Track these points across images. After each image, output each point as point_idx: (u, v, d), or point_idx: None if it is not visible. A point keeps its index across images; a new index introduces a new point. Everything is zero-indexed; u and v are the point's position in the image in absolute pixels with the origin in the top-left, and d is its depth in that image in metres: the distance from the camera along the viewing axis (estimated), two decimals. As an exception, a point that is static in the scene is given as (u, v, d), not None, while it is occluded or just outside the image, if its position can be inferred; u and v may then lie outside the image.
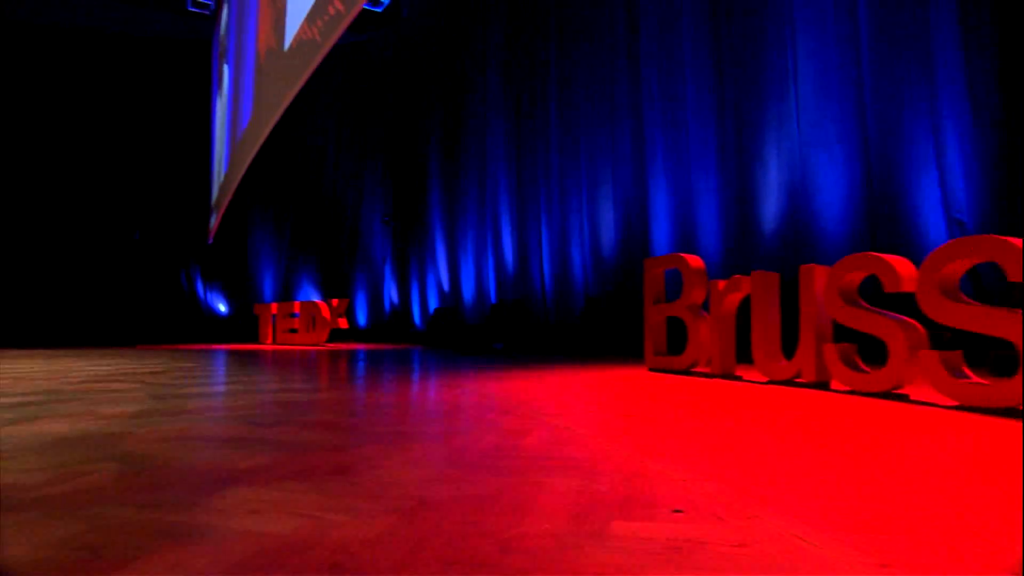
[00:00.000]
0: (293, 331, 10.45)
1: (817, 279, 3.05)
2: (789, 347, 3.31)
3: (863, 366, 2.84)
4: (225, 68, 11.02)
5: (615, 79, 7.28)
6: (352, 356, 6.91)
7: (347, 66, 12.37)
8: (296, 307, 10.49)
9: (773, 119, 5.55)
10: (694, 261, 4.02)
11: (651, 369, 4.31)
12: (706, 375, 3.86)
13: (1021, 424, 2.01)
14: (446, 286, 10.28)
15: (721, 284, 3.77)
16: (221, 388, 3.25)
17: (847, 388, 2.89)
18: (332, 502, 1.12)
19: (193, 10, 16.72)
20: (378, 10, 11.95)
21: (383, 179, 12.09)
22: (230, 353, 7.78)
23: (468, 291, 9.74)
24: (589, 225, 7.35)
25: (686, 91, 6.36)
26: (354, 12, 4.52)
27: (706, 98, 6.16)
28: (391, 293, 11.73)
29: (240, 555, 0.86)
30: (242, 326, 13.32)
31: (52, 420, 2.09)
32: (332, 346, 9.55)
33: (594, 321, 6.88)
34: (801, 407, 2.51)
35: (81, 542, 0.91)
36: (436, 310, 9.98)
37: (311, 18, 5.12)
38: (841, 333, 3.01)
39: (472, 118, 9.85)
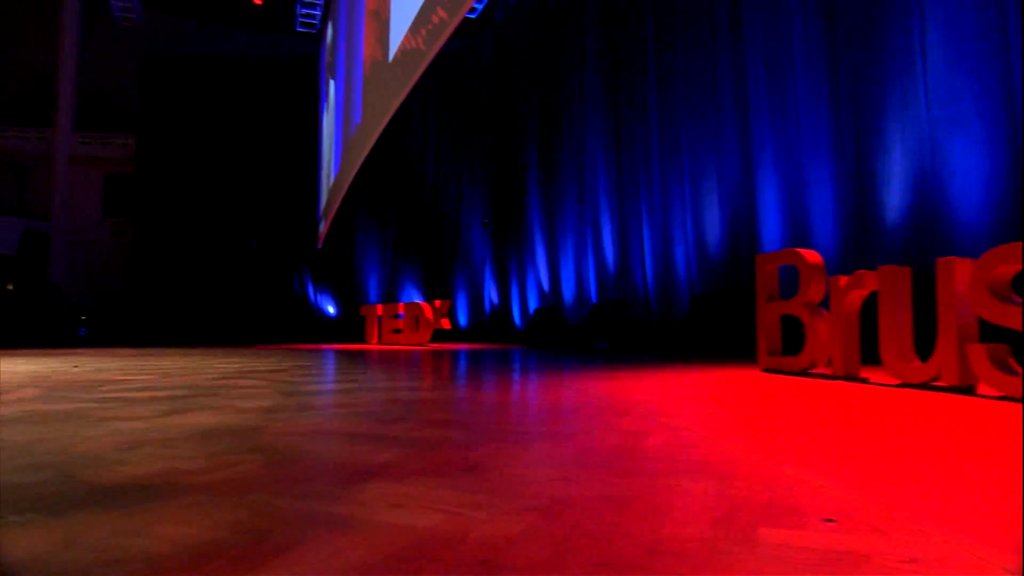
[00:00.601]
0: (398, 331, 10.82)
1: (959, 273, 2.80)
2: (922, 348, 3.06)
3: (1018, 368, 2.57)
4: (331, 82, 11.61)
5: (717, 70, 7.03)
6: (457, 356, 7.07)
7: (444, 73, 12.69)
8: (400, 308, 10.85)
9: (897, 98, 5.12)
10: (811, 256, 3.81)
11: (765, 370, 4.12)
12: (827, 377, 3.65)
13: None
14: (546, 286, 10.31)
15: (843, 280, 3.55)
16: (340, 386, 3.41)
17: (998, 393, 2.63)
18: (468, 498, 1.14)
19: (301, 30, 17.73)
20: (472, 16, 12.19)
21: (482, 182, 12.33)
22: (341, 353, 8.16)
23: (568, 291, 9.72)
24: (693, 222, 7.14)
25: (795, 75, 6.03)
26: (458, 19, 4.64)
27: (818, 80, 5.80)
28: (491, 294, 11.92)
29: (392, 547, 0.89)
30: (349, 327, 13.96)
31: (199, 413, 2.26)
32: (435, 346, 9.81)
33: (700, 320, 6.68)
34: (945, 413, 2.32)
35: (249, 526, 0.97)
36: (536, 310, 10.03)
37: (415, 28, 5.29)
38: (988, 333, 2.75)
39: (569, 118, 9.83)
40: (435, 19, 4.84)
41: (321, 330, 14.58)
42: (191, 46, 17.29)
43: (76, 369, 4.73)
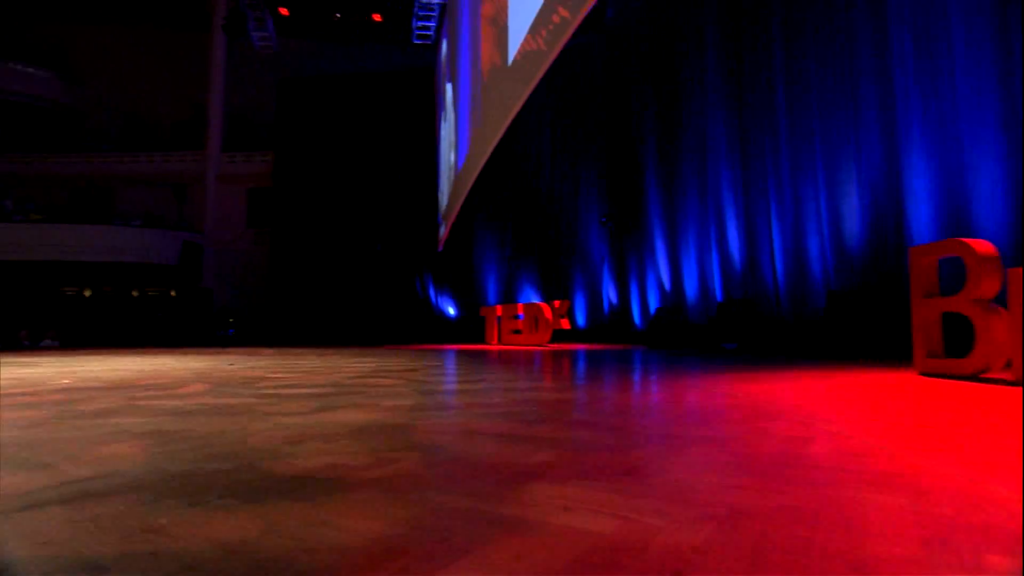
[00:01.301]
0: (517, 332, 10.94)
1: None
2: None
3: None
4: (448, 88, 11.92)
5: (855, 46, 6.51)
6: (580, 357, 7.03)
7: (555, 72, 12.68)
8: (520, 309, 10.97)
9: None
10: (982, 247, 3.42)
11: (923, 373, 3.75)
12: (1004, 383, 3.26)
13: None
14: (667, 285, 10.03)
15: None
16: (474, 386, 3.47)
17: None
18: (637, 503, 1.10)
19: (418, 42, 18.41)
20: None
21: (598, 180, 12.21)
22: (464, 353, 8.37)
23: (691, 289, 9.40)
24: (829, 213, 6.65)
25: (951, 43, 5.43)
26: (580, 17, 4.61)
27: (981, 46, 5.20)
28: (609, 293, 11.78)
29: (574, 551, 0.87)
30: (469, 327, 14.31)
31: (349, 410, 2.38)
32: (555, 346, 9.82)
33: (840, 318, 6.21)
34: None
35: (428, 524, 0.99)
36: (658, 310, 9.79)
37: (535, 29, 5.32)
38: None
39: (689, 111, 9.51)
40: (556, 19, 4.84)
41: (442, 331, 15.07)
42: (319, 66, 18.48)
43: (231, 367, 5.16)
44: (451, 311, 15.67)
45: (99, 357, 7.32)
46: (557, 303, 10.25)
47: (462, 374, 4.56)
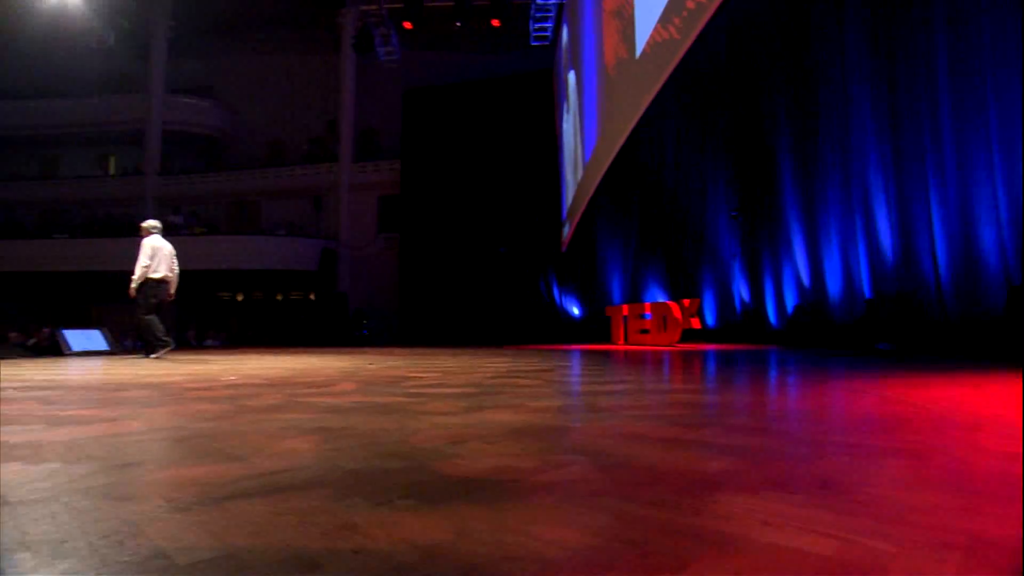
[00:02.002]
0: (644, 332, 10.69)
1: None
2: None
3: None
4: (571, 76, 11.72)
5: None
6: (716, 357, 6.73)
7: (680, 62, 12.26)
8: (647, 308, 10.71)
9: None
10: None
11: None
12: None
13: None
14: (806, 281, 9.38)
15: None
16: (616, 387, 3.39)
17: None
18: (851, 522, 0.98)
19: (535, 44, 18.53)
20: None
21: (726, 172, 11.62)
22: (592, 353, 8.27)
23: (834, 285, 8.73)
24: (1007, 196, 5.90)
25: None
26: (717, 1, 4.37)
27: None
28: (741, 291, 11.21)
29: (795, 573, 0.78)
30: (594, 327, 14.18)
31: (497, 411, 2.37)
32: (685, 346, 9.48)
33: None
34: None
35: (622, 536, 0.93)
36: (796, 308, 9.19)
37: (665, 19, 5.12)
38: None
39: (828, 89, 8.80)
40: (691, 4, 4.62)
41: (566, 331, 15.05)
42: (441, 75, 19.10)
43: (372, 366, 5.39)
44: (575, 311, 15.61)
45: (254, 356, 7.95)
46: (687, 302, 9.89)
47: (600, 375, 4.48)
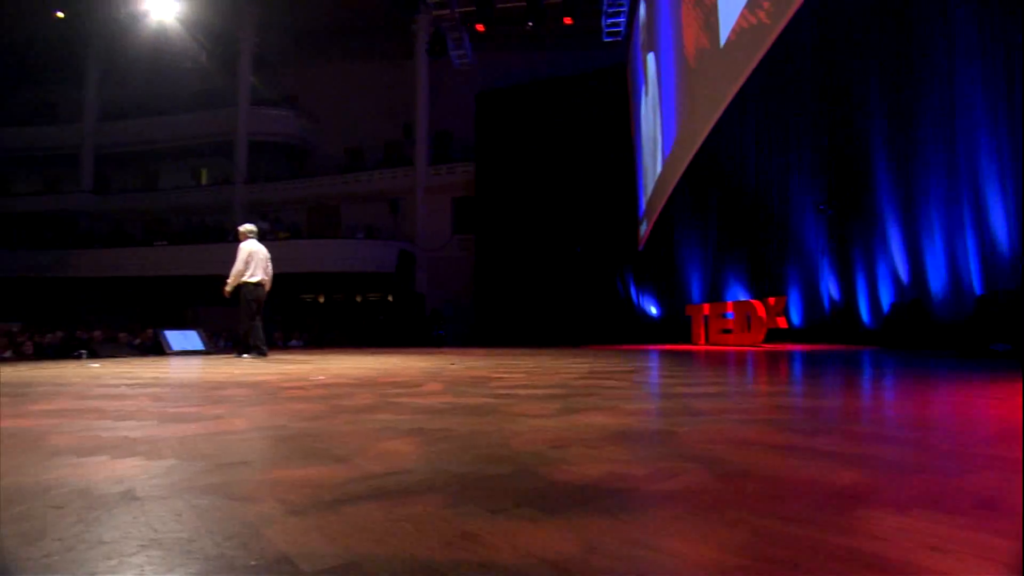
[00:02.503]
0: (727, 331, 10.34)
1: None
2: None
3: None
4: (650, 59, 11.33)
5: None
6: (808, 358, 6.41)
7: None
8: (729, 307, 10.36)
9: None
10: None
11: None
12: None
13: None
14: (904, 277, 8.80)
15: None
16: (709, 389, 3.25)
17: None
18: (1035, 550, 0.86)
19: (608, 39, 18.30)
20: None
21: (813, 164, 11.04)
22: (674, 353, 8.06)
23: (936, 281, 8.15)
24: None
25: None
26: (813, -21, 4.11)
27: None
28: (830, 288, 10.64)
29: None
30: (672, 327, 13.84)
31: (592, 413, 2.30)
32: (770, 347, 9.10)
33: None
34: None
35: (767, 554, 0.85)
36: (893, 306, 8.64)
37: (753, 3, 4.87)
38: None
39: (930, 70, 8.21)
40: (784, -15, 4.39)
41: (644, 331, 14.76)
42: (513, 76, 19.16)
43: (453, 366, 5.42)
44: (653, 311, 15.29)
45: (337, 356, 8.18)
46: (772, 300, 9.48)
47: (688, 376, 4.32)
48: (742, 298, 11.84)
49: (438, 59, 20.44)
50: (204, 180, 25.86)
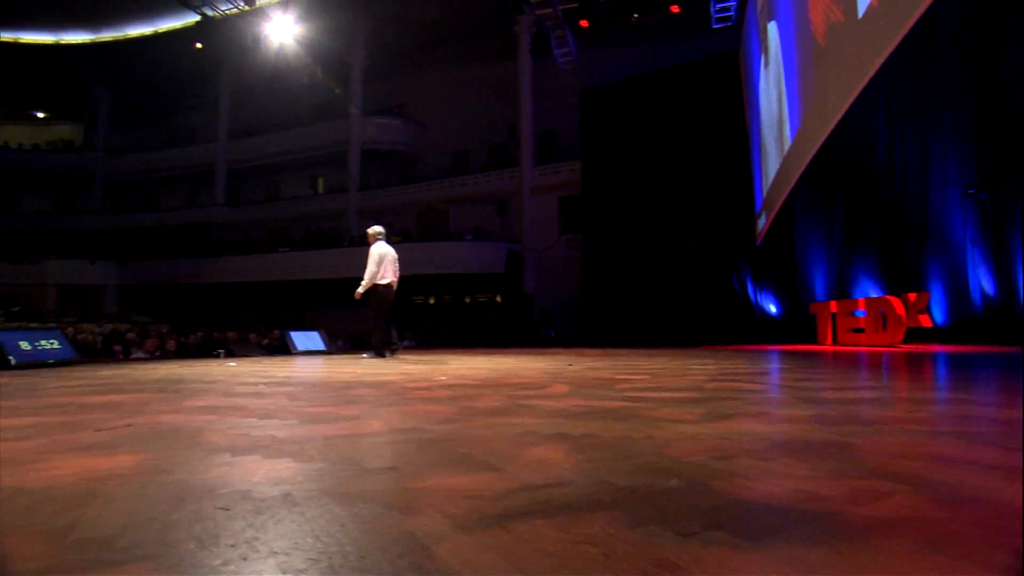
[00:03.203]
0: (858, 331, 9.56)
1: None
2: None
3: None
4: (770, 28, 10.54)
5: None
6: (962, 361, 5.76)
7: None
8: (860, 304, 9.58)
9: None
10: None
11: None
12: None
13: None
14: (1076, 267, 7.75)
15: None
16: (864, 394, 2.94)
17: None
18: None
19: (717, 26, 17.56)
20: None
21: (960, 143, 9.88)
22: (801, 354, 7.53)
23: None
24: None
25: None
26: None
27: None
28: (982, 282, 9.56)
29: None
30: (794, 326, 13.01)
31: (740, 419, 2.11)
32: (911, 347, 8.31)
33: None
34: None
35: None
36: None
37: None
38: None
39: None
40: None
41: (763, 330, 13.97)
42: (618, 71, 18.78)
43: (572, 367, 5.30)
44: (772, 309, 14.45)
45: (451, 356, 8.28)
46: (913, 296, 8.65)
47: (832, 378, 3.97)
48: (873, 294, 10.90)
49: (542, 59, 20.45)
50: (321, 189, 27.32)
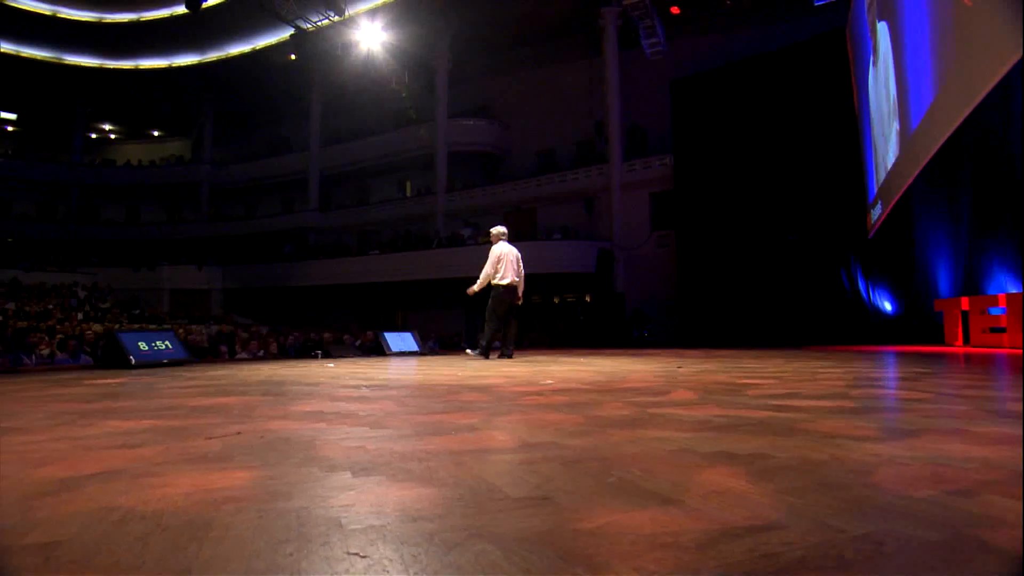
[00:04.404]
0: (997, 330, 8.59)
1: None
2: None
3: None
4: (881, 28, 9.69)
5: None
6: None
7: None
8: (1000, 300, 8.60)
9: None
10: None
11: None
12: None
13: None
14: None
15: None
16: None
17: None
18: None
19: (819, 3, 16.49)
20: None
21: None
22: (934, 357, 6.80)
23: None
24: None
25: None
26: None
27: None
28: None
29: None
30: (913, 325, 11.95)
31: (934, 437, 1.74)
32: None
33: None
34: None
35: None
36: None
37: None
38: None
39: None
40: None
41: (875, 329, 12.89)
42: (710, 59, 18.01)
43: (681, 369, 4.94)
44: (887, 306, 13.32)
45: (547, 356, 8.06)
46: (1064, 290, 7.66)
47: (992, 384, 3.44)
48: (1012, 289, 9.79)
49: (628, 51, 19.94)
50: (409, 192, 27.83)
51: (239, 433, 1.93)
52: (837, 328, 13.13)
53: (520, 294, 7.57)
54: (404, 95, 20.85)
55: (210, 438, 1.84)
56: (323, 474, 1.36)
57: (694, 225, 17.11)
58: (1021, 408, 2.38)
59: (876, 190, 11.73)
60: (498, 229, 7.71)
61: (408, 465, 1.44)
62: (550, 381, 3.97)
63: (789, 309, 14.10)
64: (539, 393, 3.18)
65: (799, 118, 14.95)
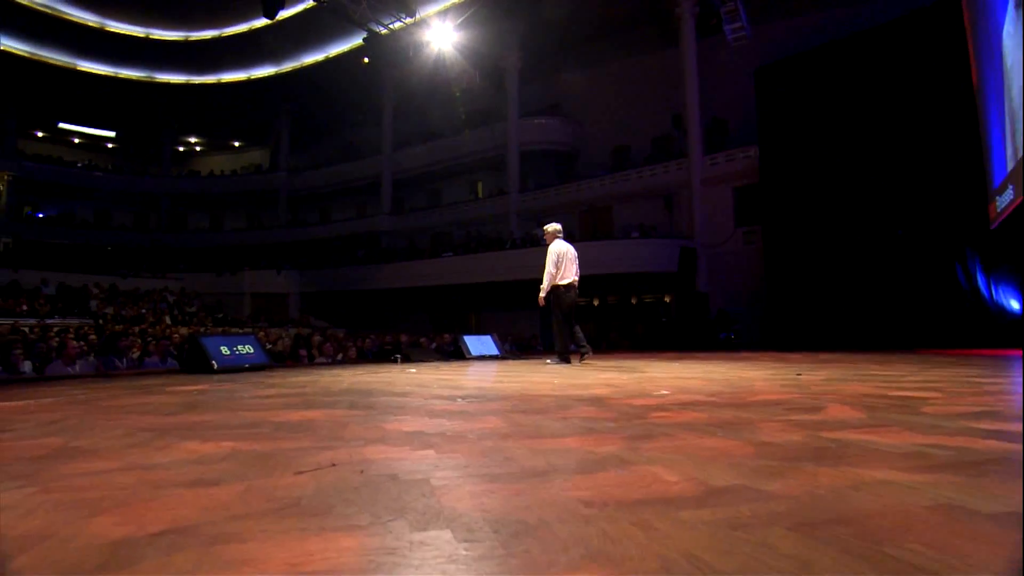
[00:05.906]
0: None
1: None
2: None
3: None
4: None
5: None
6: None
7: None
8: None
9: None
10: None
11: None
12: None
13: None
14: None
15: None
16: None
17: None
18: None
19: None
20: None
21: None
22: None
23: None
24: None
25: None
26: None
27: None
28: None
29: None
30: (1043, 325, 10.71)
31: None
32: None
33: None
34: None
35: None
36: None
37: None
38: None
39: None
40: None
41: (1000, 330, 11.63)
42: (797, 43, 16.95)
43: (801, 376, 4.40)
44: (1014, 305, 12.03)
45: (636, 361, 7.57)
46: None
47: None
48: None
49: (706, 39, 19.07)
50: (480, 193, 27.74)
51: (334, 465, 1.58)
52: (951, 329, 11.95)
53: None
54: (475, 95, 20.67)
55: (300, 473, 1.50)
56: (459, 544, 0.97)
57: (783, 220, 16.10)
58: None
59: (1006, 173, 10.48)
60: (554, 226, 7.26)
61: (573, 529, 1.04)
62: (665, 391, 3.52)
63: (894, 309, 12.97)
64: (663, 408, 2.73)
65: (903, 100, 13.76)
